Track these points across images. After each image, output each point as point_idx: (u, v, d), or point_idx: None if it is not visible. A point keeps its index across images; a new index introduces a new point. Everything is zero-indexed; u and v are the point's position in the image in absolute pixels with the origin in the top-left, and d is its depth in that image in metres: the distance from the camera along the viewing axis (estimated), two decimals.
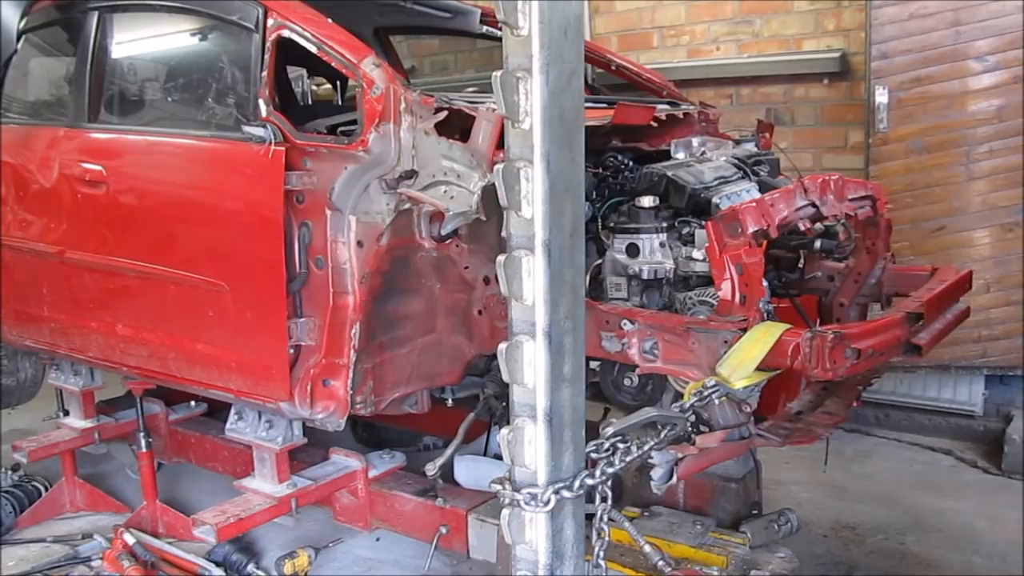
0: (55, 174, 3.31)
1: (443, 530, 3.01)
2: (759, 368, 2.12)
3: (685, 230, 2.52)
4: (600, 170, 2.76)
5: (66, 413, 3.93)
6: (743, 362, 2.12)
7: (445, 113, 2.53)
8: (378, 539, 3.50)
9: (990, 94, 4.05)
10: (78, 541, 3.56)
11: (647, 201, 2.54)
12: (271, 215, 2.63)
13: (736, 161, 2.88)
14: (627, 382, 2.56)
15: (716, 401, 2.11)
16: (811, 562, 3.27)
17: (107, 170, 3.13)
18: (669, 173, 2.60)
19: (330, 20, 2.73)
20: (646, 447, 1.91)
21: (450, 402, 3.17)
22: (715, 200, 2.52)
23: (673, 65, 4.98)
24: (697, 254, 2.42)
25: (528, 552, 1.67)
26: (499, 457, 2.01)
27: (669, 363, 2.34)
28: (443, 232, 2.64)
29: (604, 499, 1.77)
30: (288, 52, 2.78)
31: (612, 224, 2.60)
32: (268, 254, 2.65)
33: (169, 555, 3.30)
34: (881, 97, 4.15)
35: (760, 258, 2.26)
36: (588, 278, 2.56)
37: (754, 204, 2.33)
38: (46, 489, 3.90)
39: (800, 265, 3.04)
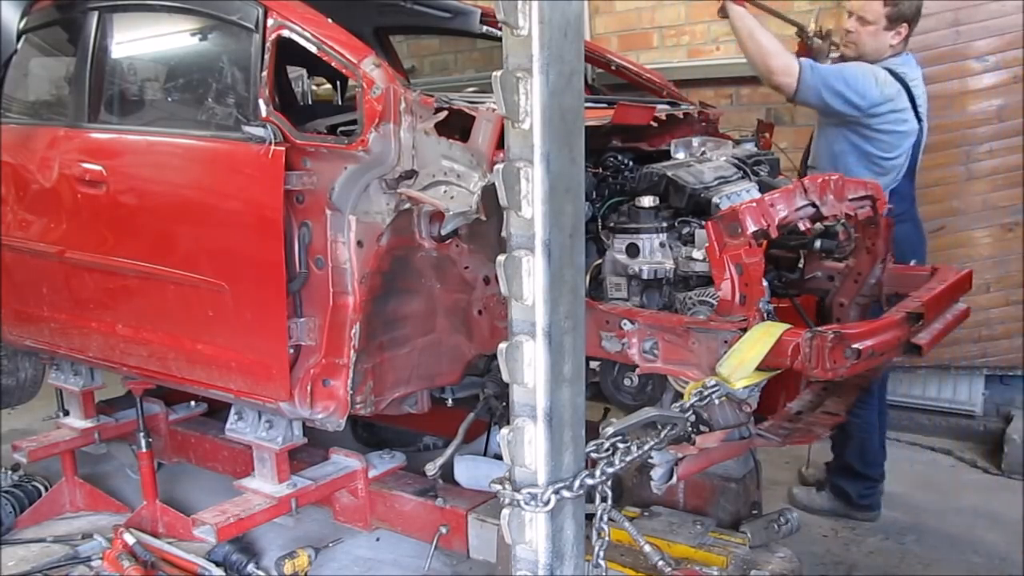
0: (55, 174, 3.31)
1: (443, 530, 3.01)
2: (759, 368, 2.12)
3: (685, 230, 2.52)
4: (600, 170, 2.76)
5: (66, 413, 3.93)
6: (743, 362, 2.12)
7: (445, 113, 2.53)
8: (378, 539, 3.51)
9: (990, 94, 4.05)
10: (78, 541, 3.55)
11: (647, 201, 2.54)
12: (271, 215, 2.63)
13: (736, 161, 2.88)
14: (627, 382, 2.55)
15: (716, 401, 2.11)
16: (811, 562, 3.27)
17: (107, 170, 3.13)
18: (669, 173, 2.60)
19: (330, 20, 2.74)
20: (646, 447, 1.91)
21: (450, 402, 3.17)
22: (715, 200, 2.52)
23: (673, 65, 4.97)
24: (697, 254, 2.42)
25: (528, 552, 1.67)
26: (499, 457, 2.02)
27: (669, 363, 2.34)
28: (443, 232, 2.65)
29: (604, 499, 1.77)
30: (288, 52, 2.78)
31: (612, 224, 2.59)
32: (268, 254, 2.65)
33: (169, 555, 3.30)
34: None
35: (760, 258, 2.26)
36: (588, 278, 2.56)
37: (754, 204, 2.33)
38: (46, 489, 3.90)
39: (800, 265, 3.04)
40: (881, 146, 3.32)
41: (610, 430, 1.83)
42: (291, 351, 2.73)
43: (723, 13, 3.37)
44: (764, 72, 3.28)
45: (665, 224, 2.54)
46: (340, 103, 4.18)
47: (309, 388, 2.76)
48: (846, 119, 3.29)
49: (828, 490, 3.70)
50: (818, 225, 2.74)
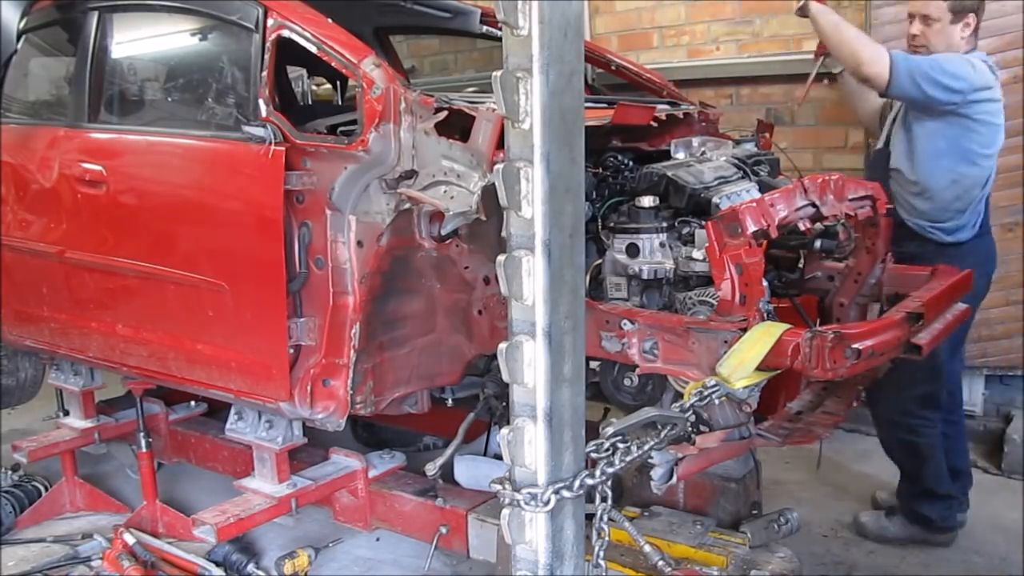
0: (55, 174, 3.31)
1: (443, 530, 3.01)
2: (759, 368, 2.12)
3: (685, 230, 2.52)
4: (600, 170, 2.76)
5: (66, 413, 3.93)
6: (743, 362, 2.12)
7: (445, 113, 2.53)
8: (378, 539, 3.51)
9: None
10: (78, 541, 3.55)
11: (647, 201, 2.54)
12: (271, 215, 2.63)
13: (736, 161, 2.88)
14: (627, 382, 2.55)
15: (716, 401, 2.11)
16: (811, 562, 3.27)
17: (107, 170, 3.13)
18: (669, 173, 2.60)
19: (330, 20, 2.74)
20: (646, 447, 1.91)
21: (450, 402, 3.18)
22: (715, 200, 2.52)
23: (673, 65, 4.97)
24: (697, 254, 2.42)
25: (528, 552, 1.67)
26: (499, 457, 2.02)
27: (669, 363, 2.34)
28: (443, 232, 2.65)
29: (604, 499, 1.77)
30: (288, 52, 2.78)
31: (612, 224, 2.60)
32: (268, 254, 2.65)
33: (169, 555, 3.30)
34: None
35: (760, 258, 2.26)
36: (588, 278, 2.56)
37: (754, 204, 2.33)
38: (46, 489, 3.90)
39: (800, 265, 3.04)
40: (980, 140, 3.17)
41: (610, 430, 1.83)
42: (291, 351, 2.73)
43: (802, 12, 3.30)
44: (853, 64, 3.15)
45: (665, 224, 2.54)
46: (340, 103, 4.18)
47: (309, 388, 2.76)
48: (945, 110, 3.13)
49: (902, 516, 3.48)
50: (818, 225, 2.74)
